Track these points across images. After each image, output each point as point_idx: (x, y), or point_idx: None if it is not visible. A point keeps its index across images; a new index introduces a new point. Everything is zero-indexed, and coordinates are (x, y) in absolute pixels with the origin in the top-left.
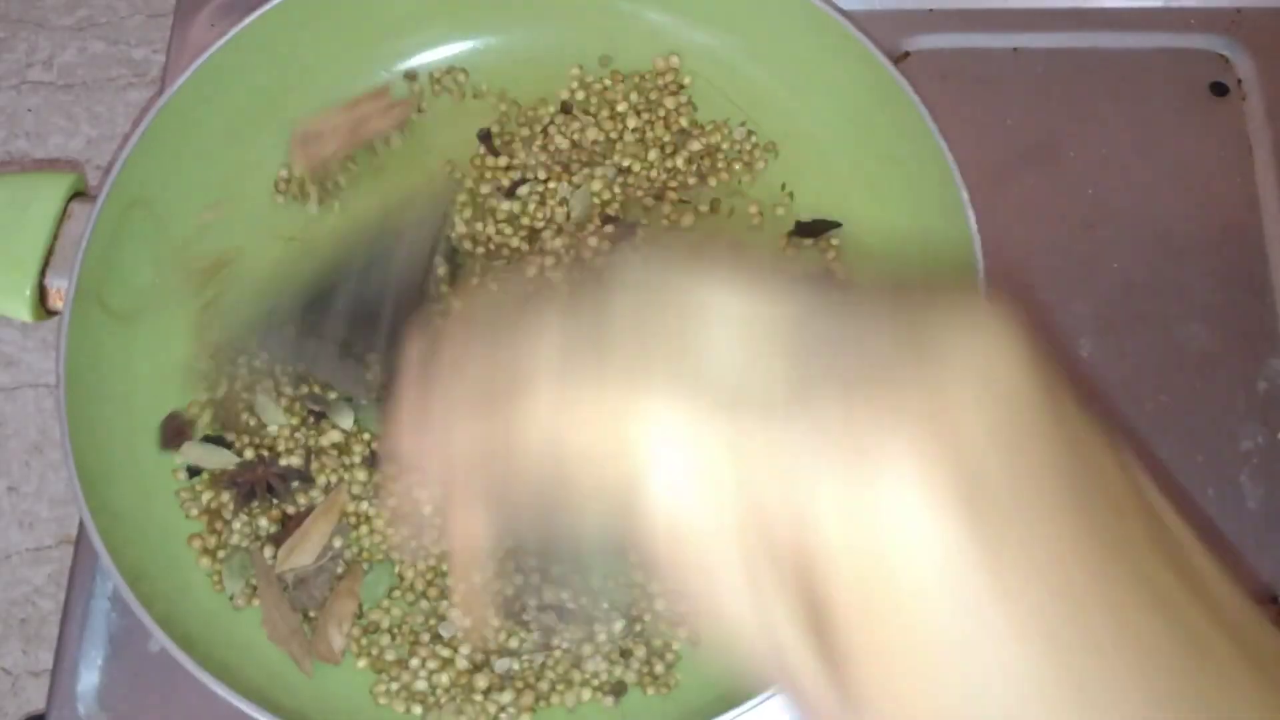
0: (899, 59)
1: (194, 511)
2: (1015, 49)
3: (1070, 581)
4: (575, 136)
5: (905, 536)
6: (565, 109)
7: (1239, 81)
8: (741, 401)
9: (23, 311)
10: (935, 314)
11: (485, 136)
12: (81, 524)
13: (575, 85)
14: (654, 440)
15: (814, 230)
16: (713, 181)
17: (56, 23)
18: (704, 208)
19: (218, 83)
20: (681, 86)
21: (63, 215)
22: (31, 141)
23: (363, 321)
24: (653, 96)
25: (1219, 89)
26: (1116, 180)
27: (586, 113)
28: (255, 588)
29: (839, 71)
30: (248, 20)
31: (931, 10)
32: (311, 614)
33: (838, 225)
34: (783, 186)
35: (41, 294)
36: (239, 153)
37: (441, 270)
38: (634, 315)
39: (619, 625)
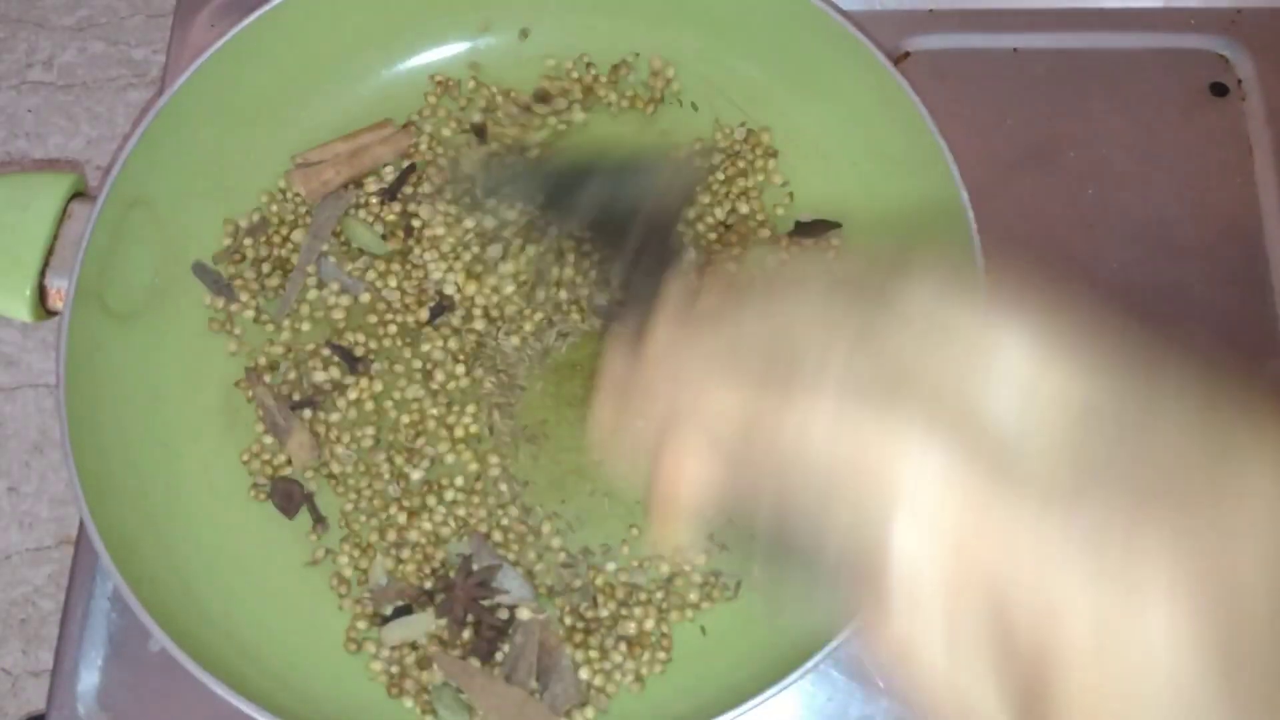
0: (899, 59)
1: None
2: (1015, 49)
3: None
4: None
5: (1155, 668)
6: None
7: (1239, 81)
8: (1022, 478)
9: (23, 311)
10: (1243, 436)
11: (479, 131)
12: (81, 524)
13: (571, 83)
14: (919, 477)
15: (814, 230)
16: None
17: (56, 23)
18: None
19: (218, 83)
20: (681, 87)
21: (63, 215)
22: (31, 141)
23: (607, 224)
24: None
25: (1219, 89)
26: (1116, 180)
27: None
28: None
29: (839, 71)
30: (248, 20)
31: (931, 10)
32: (533, 686)
33: (838, 225)
34: (783, 186)
35: (41, 294)
36: (239, 153)
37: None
38: (926, 348)
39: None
